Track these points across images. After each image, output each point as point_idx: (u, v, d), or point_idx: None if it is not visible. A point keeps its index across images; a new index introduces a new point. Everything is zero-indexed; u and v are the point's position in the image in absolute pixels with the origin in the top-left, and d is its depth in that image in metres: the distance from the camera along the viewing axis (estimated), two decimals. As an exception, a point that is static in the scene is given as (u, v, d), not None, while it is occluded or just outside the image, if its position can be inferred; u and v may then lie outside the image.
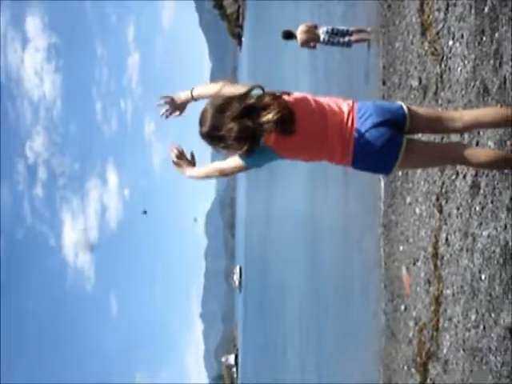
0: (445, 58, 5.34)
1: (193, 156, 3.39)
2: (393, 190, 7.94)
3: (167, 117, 3.38)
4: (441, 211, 5.28)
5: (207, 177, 3.34)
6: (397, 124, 3.14)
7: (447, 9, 5.25)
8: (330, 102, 3.20)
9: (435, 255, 5.33)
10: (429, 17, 5.89)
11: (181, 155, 3.41)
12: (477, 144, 4.38)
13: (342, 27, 10.34)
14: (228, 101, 2.99)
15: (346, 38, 10.29)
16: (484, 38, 4.35)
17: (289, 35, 10.58)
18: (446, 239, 5.04)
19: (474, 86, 4.51)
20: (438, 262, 5.21)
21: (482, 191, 4.37)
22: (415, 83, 6.67)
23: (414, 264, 6.36)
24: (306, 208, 19.33)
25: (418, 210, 6.42)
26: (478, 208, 4.39)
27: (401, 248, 7.20)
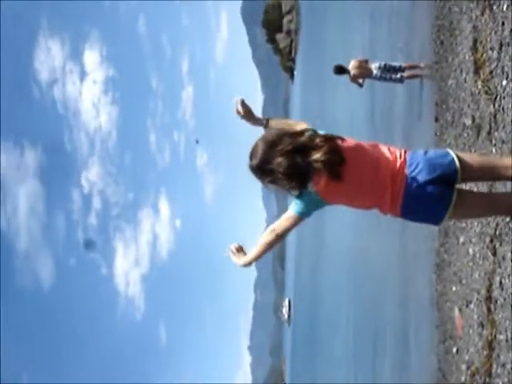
0: (498, 97, 5.27)
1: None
2: (446, 228, 7.81)
3: (239, 114, 3.44)
4: (495, 254, 5.16)
5: (267, 247, 3.31)
6: (447, 179, 3.09)
7: (501, 48, 5.20)
8: (382, 151, 3.17)
9: (489, 298, 5.20)
10: (482, 55, 5.84)
11: (240, 249, 3.47)
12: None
13: (394, 63, 10.31)
14: (280, 136, 3.00)
15: (399, 75, 10.25)
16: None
17: (341, 70, 10.52)
18: (500, 283, 4.92)
19: (528, 129, 4.43)
20: (492, 306, 5.07)
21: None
22: (468, 122, 6.59)
23: (467, 306, 6.20)
24: (358, 242, 19.14)
25: (471, 251, 6.29)
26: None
27: (453, 288, 7.04)
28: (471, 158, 3.22)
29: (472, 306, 5.99)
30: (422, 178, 3.07)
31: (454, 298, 6.97)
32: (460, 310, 6.56)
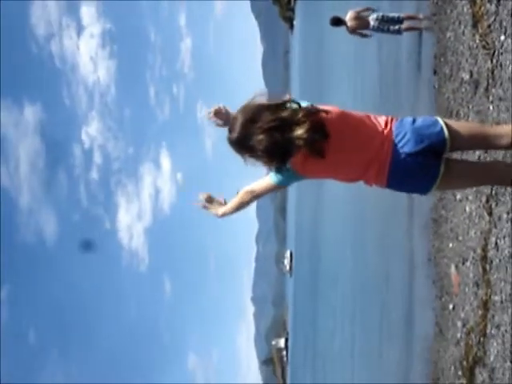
0: (496, 53, 5.12)
1: (224, 201, 3.37)
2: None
3: (217, 125, 3.37)
4: (490, 213, 5.10)
5: (241, 206, 3.26)
6: (435, 150, 2.99)
7: (499, 2, 5.03)
8: (367, 121, 3.05)
9: (484, 258, 5.17)
10: (480, 8, 5.66)
11: (210, 199, 3.39)
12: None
13: (392, 14, 10.01)
14: (260, 110, 2.88)
15: (397, 26, 9.99)
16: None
17: (337, 22, 10.21)
18: (496, 243, 4.88)
19: (525, 87, 4.31)
20: (487, 266, 5.05)
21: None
22: (466, 76, 6.45)
23: (463, 263, 6.19)
24: (358, 194, 19.12)
25: (468, 209, 6.24)
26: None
27: (450, 245, 7.02)
28: (461, 126, 3.09)
29: (468, 263, 5.97)
30: (409, 148, 2.97)
31: (450, 254, 6.96)
32: (456, 266, 6.55)
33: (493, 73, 5.22)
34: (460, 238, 6.52)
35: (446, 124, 3.03)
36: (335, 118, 3.00)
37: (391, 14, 9.99)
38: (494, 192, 5.07)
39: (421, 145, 2.97)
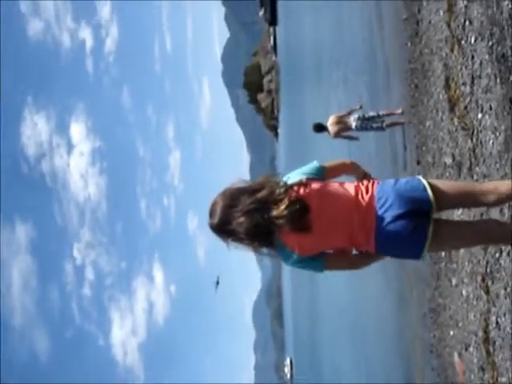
0: (475, 131, 5.18)
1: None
2: (438, 271, 7.64)
3: None
4: (488, 292, 4.96)
5: None
6: (421, 211, 2.92)
7: (473, 82, 5.14)
8: (348, 189, 3.00)
9: (486, 340, 4.97)
10: (455, 92, 5.79)
11: None
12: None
13: (371, 113, 10.25)
14: (239, 194, 2.88)
15: (379, 123, 10.21)
16: (513, 108, 4.20)
17: (320, 128, 10.43)
18: (497, 322, 4.70)
19: (508, 158, 4.31)
20: (490, 348, 4.84)
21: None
22: (449, 160, 6.50)
23: (466, 350, 5.96)
24: (354, 296, 18.87)
25: (464, 292, 6.10)
26: (526, 287, 4.09)
27: (451, 333, 6.81)
28: (446, 185, 3.03)
29: (471, 349, 5.75)
30: (392, 212, 2.89)
31: (452, 342, 6.73)
32: (459, 354, 6.31)
33: (474, 151, 5.25)
34: (460, 324, 6.33)
35: (430, 184, 2.96)
36: (315, 189, 2.95)
37: (371, 113, 10.22)
38: (488, 270, 4.95)
39: (404, 208, 2.89)
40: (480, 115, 4.96)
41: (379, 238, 2.92)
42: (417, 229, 2.89)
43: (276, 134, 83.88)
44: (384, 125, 10.23)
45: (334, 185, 3.02)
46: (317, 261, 3.02)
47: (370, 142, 13.59)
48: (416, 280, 9.53)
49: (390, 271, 11.92)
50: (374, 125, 10.15)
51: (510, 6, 4.16)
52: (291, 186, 2.92)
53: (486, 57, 4.68)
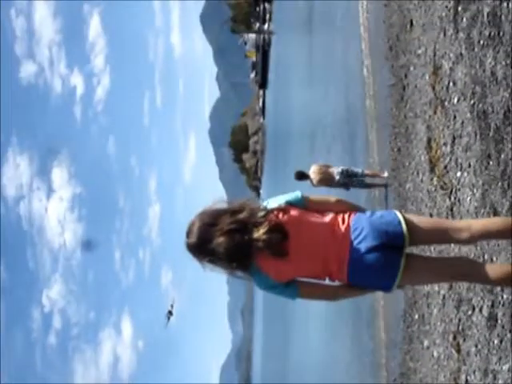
0: (454, 190, 5.26)
1: None
2: (410, 334, 7.59)
3: None
4: (459, 351, 4.93)
5: None
6: (394, 244, 2.96)
7: (453, 141, 5.26)
8: (325, 219, 3.03)
9: (456, 400, 4.91)
10: (436, 152, 5.91)
11: None
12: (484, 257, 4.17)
13: (356, 169, 10.34)
14: (219, 214, 2.90)
15: (361, 180, 10.27)
16: (491, 162, 4.30)
17: (301, 176, 10.45)
18: (466, 380, 4.66)
19: (484, 213, 4.37)
20: (460, 408, 4.78)
21: (499, 322, 4.09)
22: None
23: (435, 412, 5.87)
24: (325, 360, 18.61)
25: (435, 353, 6.05)
26: (496, 341, 4.08)
27: (420, 396, 6.71)
28: (421, 220, 3.10)
29: (440, 411, 5.66)
30: (366, 244, 2.94)
31: (421, 406, 6.63)
32: (428, 418, 6.20)
33: (452, 210, 5.32)
34: (430, 386, 6.25)
35: (405, 219, 3.01)
36: (294, 216, 2.99)
37: (355, 169, 10.31)
38: (460, 327, 4.94)
39: (379, 240, 2.94)
40: (459, 173, 5.06)
41: (352, 268, 2.95)
42: (389, 261, 2.93)
43: (258, 195, 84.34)
44: (364, 183, 10.32)
45: (312, 213, 3.05)
46: (291, 287, 3.02)
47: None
48: (388, 344, 9.46)
49: (363, 337, 11.82)
50: (356, 180, 10.19)
51: (492, 63, 4.31)
52: (271, 211, 2.94)
53: (468, 115, 4.81)
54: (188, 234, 2.95)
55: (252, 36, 74.52)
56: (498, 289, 4.04)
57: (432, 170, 6.24)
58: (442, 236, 3.06)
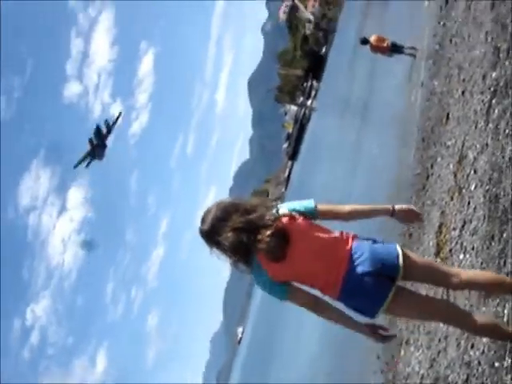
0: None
1: None
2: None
3: None
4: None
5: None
6: (388, 274, 3.14)
7: (463, 226, 5.43)
8: (330, 236, 3.23)
9: None
10: (445, 236, 6.08)
11: None
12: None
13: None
14: (232, 211, 3.13)
15: None
16: (493, 243, 4.47)
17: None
18: None
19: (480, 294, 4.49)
20: None
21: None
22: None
23: None
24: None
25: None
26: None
27: None
28: (418, 258, 3.32)
29: None
30: (363, 268, 3.13)
31: None
32: None
33: (447, 292, 5.43)
34: None
35: (404, 253, 3.20)
36: (300, 225, 3.19)
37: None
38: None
39: (375, 267, 3.13)
40: (462, 256, 5.21)
41: (345, 287, 3.16)
42: (379, 288, 3.12)
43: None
44: None
45: (319, 226, 3.25)
46: (282, 287, 3.20)
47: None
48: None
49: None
50: None
51: (513, 150, 4.54)
52: (281, 216, 3.17)
53: (481, 200, 5.01)
54: (202, 220, 3.20)
55: (294, 108, 76.11)
56: (475, 362, 4.14)
57: (437, 254, 6.38)
58: (434, 277, 3.27)
